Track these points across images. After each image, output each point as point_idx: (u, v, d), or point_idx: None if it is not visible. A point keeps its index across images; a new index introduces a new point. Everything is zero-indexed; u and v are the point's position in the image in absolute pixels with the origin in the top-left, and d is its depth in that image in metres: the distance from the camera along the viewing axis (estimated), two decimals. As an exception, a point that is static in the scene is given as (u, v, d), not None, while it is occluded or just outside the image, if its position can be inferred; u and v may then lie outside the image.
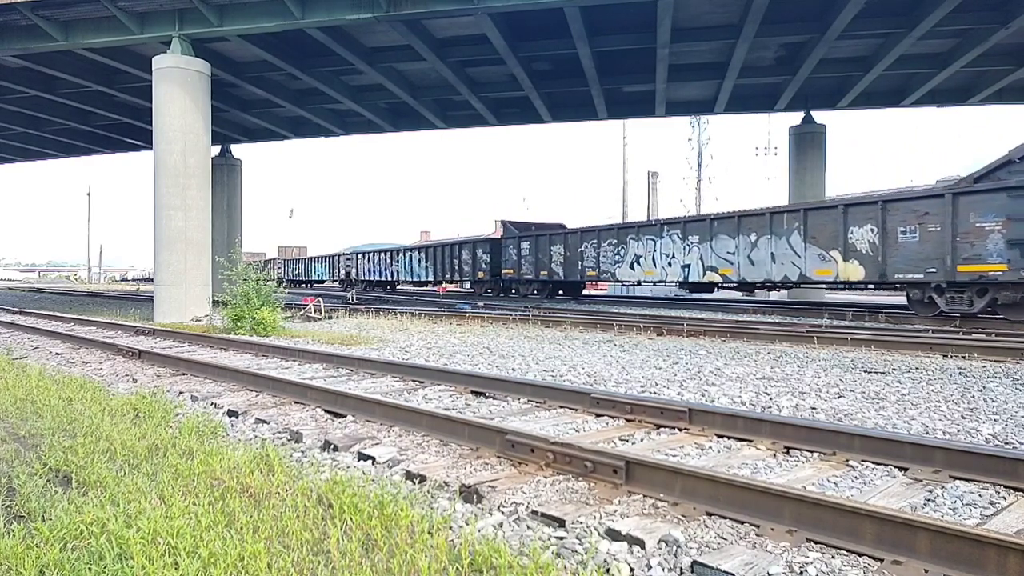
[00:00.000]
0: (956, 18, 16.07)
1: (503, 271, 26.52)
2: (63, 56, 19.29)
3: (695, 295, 25.64)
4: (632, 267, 20.29)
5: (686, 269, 18.36)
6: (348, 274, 41.36)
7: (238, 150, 30.83)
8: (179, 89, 16.58)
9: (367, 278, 38.53)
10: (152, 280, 18.54)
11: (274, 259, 54.47)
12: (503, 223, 28.68)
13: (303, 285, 49.15)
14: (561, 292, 26.44)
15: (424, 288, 38.80)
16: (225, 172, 28.95)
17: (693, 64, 20.61)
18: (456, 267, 29.93)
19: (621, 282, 21.86)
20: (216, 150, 27.02)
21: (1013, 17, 15.80)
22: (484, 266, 27.81)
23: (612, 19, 17.14)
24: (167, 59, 16.51)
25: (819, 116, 24.64)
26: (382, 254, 37.41)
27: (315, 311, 16.52)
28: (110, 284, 77.85)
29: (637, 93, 22.98)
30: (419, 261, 33.12)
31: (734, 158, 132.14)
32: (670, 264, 18.84)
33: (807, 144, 24.87)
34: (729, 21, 17.24)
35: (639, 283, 20.97)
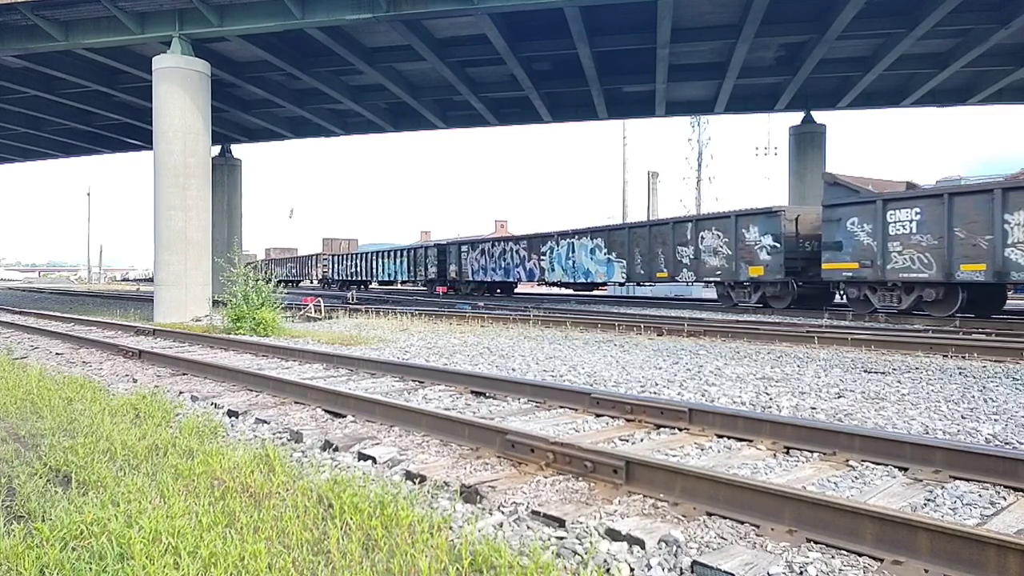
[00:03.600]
0: (956, 18, 16.08)
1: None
2: (63, 56, 19.28)
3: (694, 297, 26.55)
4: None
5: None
6: (443, 271, 31.22)
7: (238, 150, 30.83)
8: (179, 89, 16.57)
9: (479, 278, 28.72)
10: (152, 280, 18.54)
11: (316, 255, 49.11)
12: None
13: (356, 287, 39.82)
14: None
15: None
16: (225, 172, 28.94)
17: (693, 64, 20.61)
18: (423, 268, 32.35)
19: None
20: (216, 150, 26.99)
21: (1013, 17, 15.80)
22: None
23: (612, 19, 17.14)
24: (167, 59, 16.51)
25: (819, 116, 24.64)
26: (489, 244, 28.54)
27: (315, 311, 16.53)
28: (110, 284, 77.85)
29: (637, 93, 22.98)
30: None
31: (734, 158, 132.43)
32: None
33: (807, 144, 24.87)
34: (729, 21, 17.24)
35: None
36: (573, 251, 22.88)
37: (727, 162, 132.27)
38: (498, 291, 29.55)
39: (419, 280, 33.70)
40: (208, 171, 17.55)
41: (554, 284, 25.21)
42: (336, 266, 43.32)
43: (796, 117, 24.95)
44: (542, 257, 24.41)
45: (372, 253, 39.08)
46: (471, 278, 28.79)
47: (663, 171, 57.07)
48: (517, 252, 25.90)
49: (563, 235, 23.69)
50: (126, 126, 27.06)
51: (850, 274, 14.40)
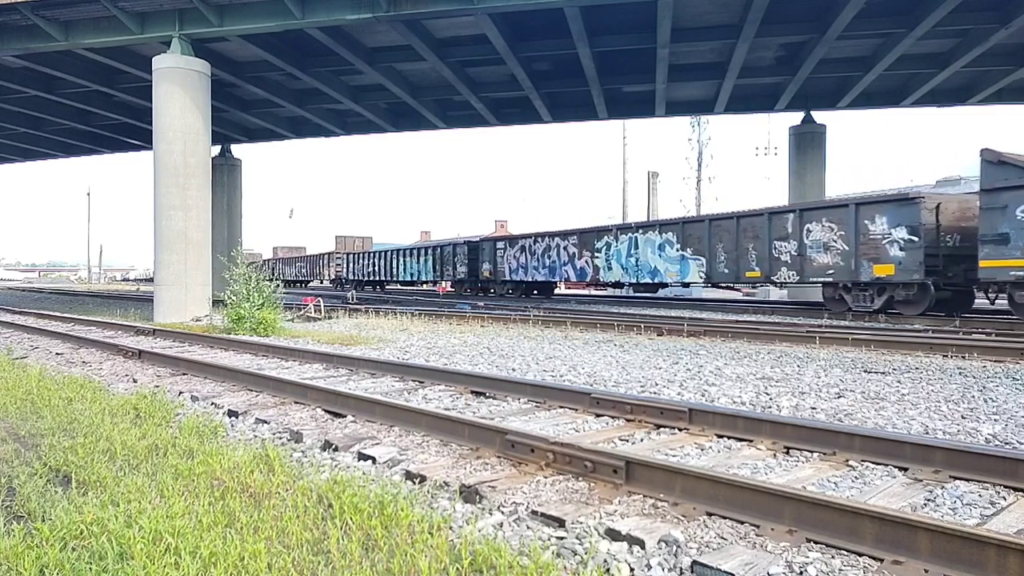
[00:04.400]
0: (956, 18, 16.08)
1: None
2: (63, 56, 19.29)
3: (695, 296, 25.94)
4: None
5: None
6: (475, 270, 29.09)
7: (238, 150, 30.86)
8: (179, 89, 16.58)
9: (517, 277, 26.11)
10: (152, 280, 18.53)
11: (328, 253, 46.63)
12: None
13: (369, 287, 39.97)
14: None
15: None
16: (225, 172, 28.96)
17: (693, 64, 20.61)
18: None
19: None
20: (216, 150, 27.02)
21: (1013, 17, 15.81)
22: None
23: (612, 19, 17.14)
24: (167, 59, 16.51)
25: (819, 116, 24.66)
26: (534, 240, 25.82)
27: (315, 311, 16.53)
28: (110, 284, 77.87)
29: (637, 93, 22.98)
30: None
31: (734, 158, 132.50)
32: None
33: (807, 144, 24.88)
34: (729, 21, 17.24)
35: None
36: (636, 247, 20.36)
37: (727, 162, 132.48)
38: (535, 292, 27.35)
39: (447, 280, 31.95)
40: (208, 171, 17.55)
41: (609, 285, 22.99)
42: (351, 265, 41.17)
43: (796, 117, 24.98)
44: (596, 254, 21.88)
45: (393, 251, 36.98)
46: (508, 278, 26.36)
47: (663, 171, 57.15)
48: (565, 249, 23.37)
49: (624, 228, 21.33)
50: (126, 126, 27.07)
51: (1021, 273, 11.88)
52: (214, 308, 16.23)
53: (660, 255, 19.60)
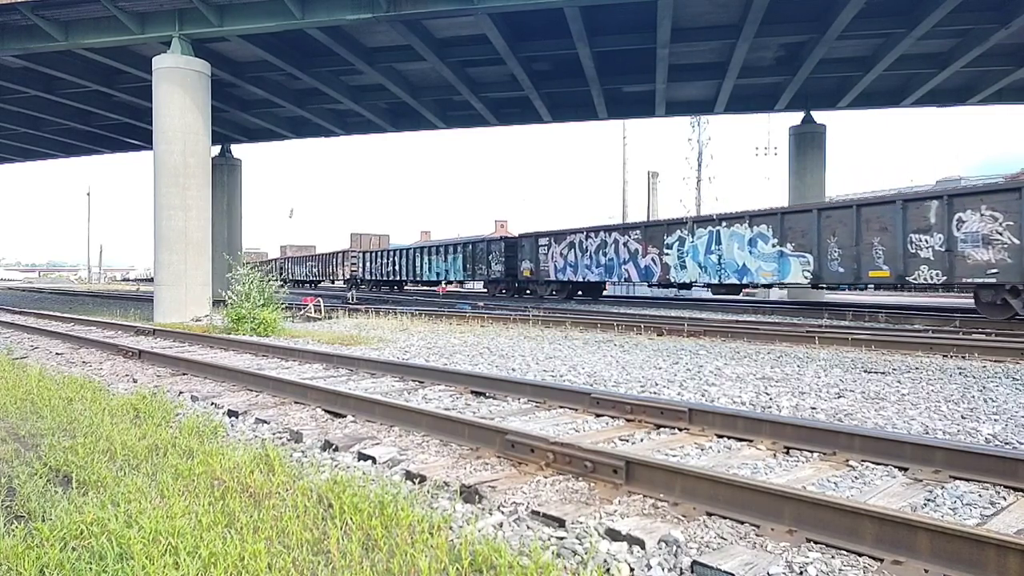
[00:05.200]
0: (956, 18, 16.08)
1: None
2: (63, 56, 19.28)
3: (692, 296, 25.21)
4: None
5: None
6: (513, 268, 26.72)
7: (238, 150, 30.85)
8: (179, 89, 16.58)
9: (564, 277, 23.60)
10: (152, 280, 18.53)
11: (343, 251, 43.36)
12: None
13: (385, 287, 37.73)
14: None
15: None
16: (225, 172, 28.96)
17: (693, 64, 20.61)
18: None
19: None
20: (216, 150, 27.02)
21: (1013, 17, 15.81)
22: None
23: (612, 19, 17.14)
24: (167, 59, 16.51)
25: (819, 116, 24.67)
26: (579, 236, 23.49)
27: (315, 311, 16.53)
28: (110, 284, 77.88)
29: (637, 93, 22.98)
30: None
31: (734, 158, 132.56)
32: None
33: (807, 144, 24.89)
34: (729, 21, 17.24)
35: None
36: (718, 242, 17.73)
37: (727, 162, 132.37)
38: (579, 293, 25.07)
39: (479, 279, 29.39)
40: (208, 171, 17.55)
41: (680, 286, 20.27)
42: (368, 264, 38.48)
43: (796, 117, 24.99)
44: (666, 251, 19.15)
45: (416, 249, 34.04)
46: (553, 277, 23.82)
47: (663, 171, 57.04)
48: (625, 245, 20.69)
49: (701, 221, 18.49)
50: (126, 126, 27.06)
51: None
52: (214, 308, 16.23)
53: (751, 251, 16.86)
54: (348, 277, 41.00)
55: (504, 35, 16.90)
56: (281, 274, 48.71)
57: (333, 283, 44.74)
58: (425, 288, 37.94)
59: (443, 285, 34.71)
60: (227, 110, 24.15)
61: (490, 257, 27.98)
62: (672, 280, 19.31)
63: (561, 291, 24.32)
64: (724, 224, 17.69)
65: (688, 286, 20.04)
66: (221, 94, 21.17)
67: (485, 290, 31.17)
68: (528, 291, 26.47)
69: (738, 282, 17.54)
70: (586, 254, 22.38)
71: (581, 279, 22.75)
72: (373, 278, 37.95)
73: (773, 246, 16.33)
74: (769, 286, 18.70)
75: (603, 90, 21.40)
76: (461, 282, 33.17)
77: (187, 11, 16.17)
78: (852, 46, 18.93)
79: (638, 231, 20.50)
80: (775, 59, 20.18)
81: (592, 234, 22.15)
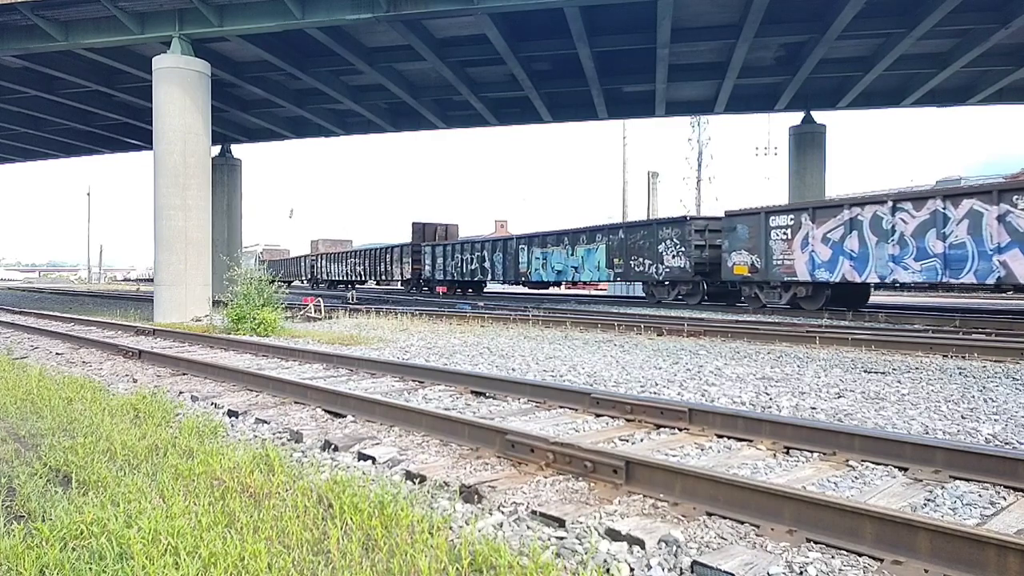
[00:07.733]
0: (956, 18, 16.09)
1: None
2: (63, 56, 19.29)
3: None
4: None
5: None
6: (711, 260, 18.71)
7: (238, 150, 30.84)
8: (179, 89, 16.58)
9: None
10: (152, 280, 18.53)
11: (402, 246, 35.02)
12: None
13: (471, 289, 30.95)
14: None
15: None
16: (225, 172, 28.95)
17: (693, 64, 20.62)
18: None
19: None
20: (216, 150, 27.02)
21: (1013, 17, 15.81)
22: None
23: (612, 19, 17.14)
24: (167, 59, 16.51)
25: (819, 116, 24.65)
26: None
27: (315, 311, 16.53)
28: (110, 284, 77.89)
29: (637, 93, 22.98)
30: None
31: (734, 158, 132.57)
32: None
33: (807, 144, 24.87)
34: (729, 21, 17.25)
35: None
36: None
37: (727, 162, 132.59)
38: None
39: (634, 278, 21.64)
40: (208, 171, 17.55)
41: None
42: (442, 260, 30.83)
43: (796, 117, 24.97)
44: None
45: (518, 239, 26.05)
46: (809, 277, 15.59)
47: (663, 171, 57.09)
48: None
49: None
50: (126, 126, 27.07)
51: None
52: (214, 308, 16.23)
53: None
54: (408, 277, 33.79)
55: (504, 35, 16.90)
56: (312, 273, 46.70)
57: (378, 283, 38.00)
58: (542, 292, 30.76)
59: (442, 285, 33.22)
60: (227, 110, 24.15)
61: (662, 245, 19.84)
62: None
63: (817, 297, 17.11)
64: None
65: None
66: (221, 94, 21.17)
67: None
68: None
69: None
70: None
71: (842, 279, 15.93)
72: (451, 278, 30.04)
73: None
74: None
75: (603, 90, 21.39)
76: (596, 283, 29.15)
77: (187, 11, 16.17)
78: (852, 46, 18.93)
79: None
80: (775, 59, 20.19)
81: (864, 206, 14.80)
